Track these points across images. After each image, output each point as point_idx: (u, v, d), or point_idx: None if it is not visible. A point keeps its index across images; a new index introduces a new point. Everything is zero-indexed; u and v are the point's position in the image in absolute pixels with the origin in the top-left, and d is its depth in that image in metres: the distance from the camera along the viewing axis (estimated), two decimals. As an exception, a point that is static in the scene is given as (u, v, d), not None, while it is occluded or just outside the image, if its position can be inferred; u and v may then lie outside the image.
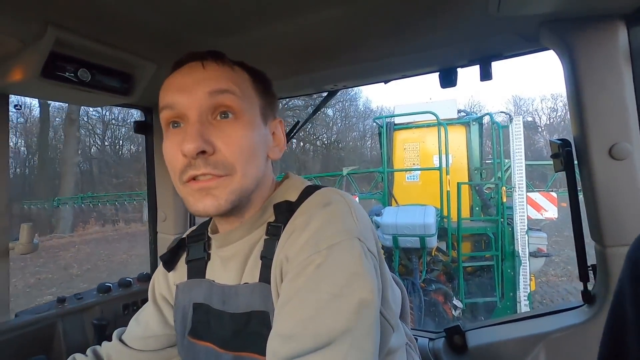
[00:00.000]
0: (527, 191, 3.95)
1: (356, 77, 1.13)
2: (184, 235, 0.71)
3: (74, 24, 0.68)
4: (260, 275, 0.54)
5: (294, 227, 0.52)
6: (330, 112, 21.86)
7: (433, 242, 3.79)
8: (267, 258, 0.54)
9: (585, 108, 0.71)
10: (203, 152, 0.50)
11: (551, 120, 26.29)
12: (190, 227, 1.36)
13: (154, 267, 1.38)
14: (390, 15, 0.73)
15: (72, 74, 0.77)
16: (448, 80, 0.99)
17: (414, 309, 3.50)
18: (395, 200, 4.93)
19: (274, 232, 0.55)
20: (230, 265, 0.60)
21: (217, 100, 0.52)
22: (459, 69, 0.99)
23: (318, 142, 22.15)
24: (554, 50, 0.76)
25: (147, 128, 1.32)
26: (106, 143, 20.34)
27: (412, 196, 4.87)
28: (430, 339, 1.14)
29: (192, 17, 0.70)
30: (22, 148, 18.18)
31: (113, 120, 19.66)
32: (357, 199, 5.49)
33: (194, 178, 0.52)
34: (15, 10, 0.61)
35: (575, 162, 0.78)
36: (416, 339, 0.89)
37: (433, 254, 4.20)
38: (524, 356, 0.90)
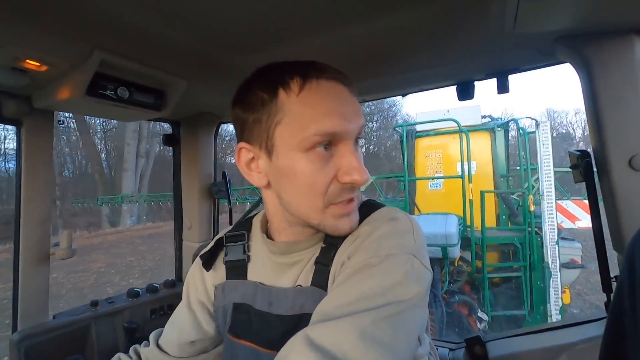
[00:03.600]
0: (562, 199, 3.78)
1: (375, 90, 1.15)
2: (221, 235, 0.73)
3: (117, 46, 0.75)
4: (313, 280, 0.57)
5: (359, 233, 0.56)
6: (370, 124, 24.21)
7: (455, 252, 3.69)
8: (321, 264, 0.57)
9: (603, 120, 0.71)
10: None
11: (586, 134, 26.54)
12: (214, 236, 1.42)
13: (179, 273, 1.44)
14: (409, 33, 0.75)
15: (113, 92, 0.84)
16: (465, 93, 1.00)
17: (435, 321, 3.41)
18: (417, 208, 4.85)
19: (331, 242, 0.58)
20: (289, 270, 0.61)
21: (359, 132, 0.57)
22: (476, 82, 0.99)
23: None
24: (570, 64, 0.76)
25: (175, 140, 1.39)
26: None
27: (435, 204, 4.78)
28: (451, 349, 1.14)
29: (220, 37, 0.75)
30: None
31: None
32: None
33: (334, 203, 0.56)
34: (67, 34, 0.68)
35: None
36: (436, 349, 0.90)
37: (456, 264, 4.09)
38: None
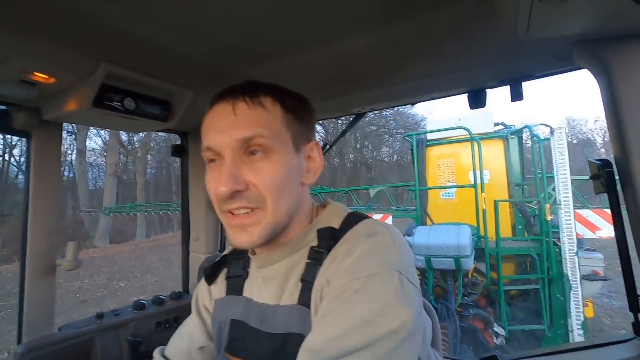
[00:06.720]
0: (582, 208, 3.64)
1: (384, 99, 1.14)
2: (227, 252, 0.74)
3: (123, 58, 0.76)
4: (300, 298, 0.56)
5: (337, 254, 0.54)
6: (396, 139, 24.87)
7: (469, 264, 3.58)
8: (307, 282, 0.56)
9: (625, 127, 0.67)
10: (236, 191, 0.54)
11: (606, 140, 27.50)
12: (220, 247, 1.41)
13: (185, 284, 1.43)
14: (418, 40, 0.74)
15: (119, 104, 0.85)
16: (477, 101, 0.97)
17: (448, 335, 3.30)
18: (430, 218, 4.76)
19: (316, 257, 0.57)
20: (270, 285, 0.61)
21: (248, 142, 0.55)
22: (488, 90, 0.96)
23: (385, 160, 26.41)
24: (588, 69, 0.73)
25: (183, 151, 1.39)
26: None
27: (448, 214, 4.67)
28: None
29: (227, 49, 0.75)
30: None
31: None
32: (390, 217, 5.36)
33: (231, 211, 0.56)
34: (74, 47, 0.69)
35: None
36: None
37: (470, 276, 3.98)
38: None
